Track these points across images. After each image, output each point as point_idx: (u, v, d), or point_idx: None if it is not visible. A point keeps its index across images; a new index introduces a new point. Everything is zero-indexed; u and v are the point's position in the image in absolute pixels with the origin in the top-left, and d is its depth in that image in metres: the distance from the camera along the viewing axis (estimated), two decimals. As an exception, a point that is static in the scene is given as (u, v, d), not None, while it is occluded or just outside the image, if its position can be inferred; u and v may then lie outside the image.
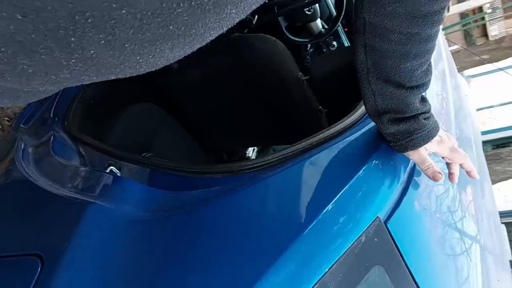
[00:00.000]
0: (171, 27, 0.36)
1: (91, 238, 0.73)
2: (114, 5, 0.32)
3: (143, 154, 1.34)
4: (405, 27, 0.63)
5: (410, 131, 0.73)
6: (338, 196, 0.70)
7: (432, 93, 1.07)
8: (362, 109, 0.88)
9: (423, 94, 0.74)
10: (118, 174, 0.88)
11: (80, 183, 0.86)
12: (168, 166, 0.90)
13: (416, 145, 0.74)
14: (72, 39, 0.33)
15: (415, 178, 0.81)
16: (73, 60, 0.36)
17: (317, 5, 1.82)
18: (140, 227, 0.74)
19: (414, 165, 0.82)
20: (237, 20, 0.41)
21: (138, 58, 0.38)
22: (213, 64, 1.56)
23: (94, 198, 0.80)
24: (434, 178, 0.75)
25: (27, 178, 0.96)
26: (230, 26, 0.42)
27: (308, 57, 2.04)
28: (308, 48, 2.06)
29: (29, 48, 0.33)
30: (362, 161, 0.77)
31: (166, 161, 0.93)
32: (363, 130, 0.83)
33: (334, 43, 1.98)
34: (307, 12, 1.82)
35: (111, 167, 0.88)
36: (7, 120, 1.70)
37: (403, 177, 0.79)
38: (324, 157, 0.80)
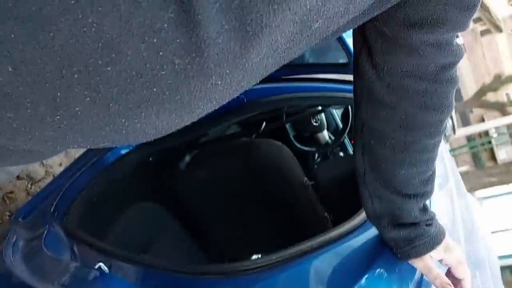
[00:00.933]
0: (155, 89, 0.36)
1: None
2: (100, 62, 0.32)
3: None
4: (399, 134, 0.62)
5: (411, 238, 0.69)
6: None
7: (439, 213, 1.03)
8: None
9: (425, 202, 0.70)
10: (106, 271, 0.83)
11: (67, 279, 0.81)
12: (161, 266, 0.86)
13: (419, 253, 0.69)
14: (58, 93, 0.33)
15: (425, 285, 0.75)
16: (57, 117, 0.35)
17: (323, 117, 1.88)
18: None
19: (422, 275, 0.76)
20: (227, 96, 0.40)
21: (123, 121, 0.37)
22: (220, 167, 1.57)
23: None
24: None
25: (12, 272, 0.91)
26: (219, 102, 0.41)
27: (315, 166, 2.05)
28: (316, 158, 2.08)
29: (15, 100, 0.33)
30: (364, 268, 0.72)
31: (159, 260, 0.88)
32: (366, 234, 0.80)
33: (341, 154, 2.00)
34: (314, 123, 1.88)
35: (100, 264, 0.84)
36: (8, 215, 1.68)
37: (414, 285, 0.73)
38: (324, 262, 0.75)
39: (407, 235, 0.69)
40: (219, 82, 0.38)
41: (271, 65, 0.40)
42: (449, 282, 0.68)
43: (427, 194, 0.69)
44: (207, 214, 1.62)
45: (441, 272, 0.70)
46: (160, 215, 1.47)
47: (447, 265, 0.72)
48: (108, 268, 0.90)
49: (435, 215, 0.71)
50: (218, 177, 1.57)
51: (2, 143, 0.39)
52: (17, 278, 0.85)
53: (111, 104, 0.35)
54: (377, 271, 0.72)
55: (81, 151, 1.73)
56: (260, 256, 1.90)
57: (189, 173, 1.64)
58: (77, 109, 0.35)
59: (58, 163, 1.94)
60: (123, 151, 1.57)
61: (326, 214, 1.45)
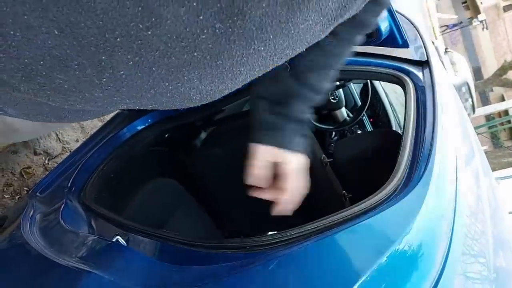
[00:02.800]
0: (195, 54, 0.36)
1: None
2: (140, 26, 0.33)
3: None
4: None
5: (276, 126, 0.68)
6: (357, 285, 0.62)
7: (465, 189, 1.00)
8: (388, 189, 0.82)
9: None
10: (124, 245, 0.82)
11: (84, 252, 0.81)
12: (177, 240, 0.85)
13: (273, 142, 0.69)
14: (103, 57, 0.34)
15: (450, 265, 0.72)
16: (104, 79, 0.37)
17: (342, 94, 1.84)
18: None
19: (449, 251, 0.74)
20: (270, 63, 0.39)
21: (167, 84, 0.38)
22: (236, 144, 1.55)
23: (96, 268, 0.74)
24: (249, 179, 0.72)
25: (30, 244, 0.91)
26: (262, 70, 0.40)
27: (332, 144, 2.02)
28: (333, 136, 2.05)
29: (64, 63, 0.35)
30: (387, 244, 0.70)
31: (176, 234, 0.87)
32: (389, 210, 0.77)
33: (359, 132, 1.97)
34: (332, 100, 1.84)
35: (118, 237, 0.83)
36: (26, 190, 1.69)
37: (437, 265, 0.70)
38: (344, 238, 0.73)
39: (273, 121, 0.68)
40: (262, 48, 0.37)
41: (318, 32, 0.39)
42: (264, 179, 0.73)
43: (319, 90, 0.67)
44: (222, 191, 1.61)
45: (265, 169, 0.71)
46: (176, 191, 1.46)
47: (280, 174, 0.73)
48: (125, 241, 0.90)
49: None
50: (234, 154, 1.55)
51: (57, 103, 0.41)
52: (35, 250, 0.84)
53: (153, 68, 0.36)
54: (401, 246, 0.70)
55: (96, 128, 1.73)
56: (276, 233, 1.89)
57: (205, 150, 1.62)
58: (122, 72, 0.36)
59: (75, 139, 1.95)
60: (139, 127, 1.56)
61: (344, 192, 1.43)
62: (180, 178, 1.55)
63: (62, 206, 1.01)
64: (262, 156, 0.71)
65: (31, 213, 1.04)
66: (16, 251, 0.92)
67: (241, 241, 0.77)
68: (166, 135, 1.67)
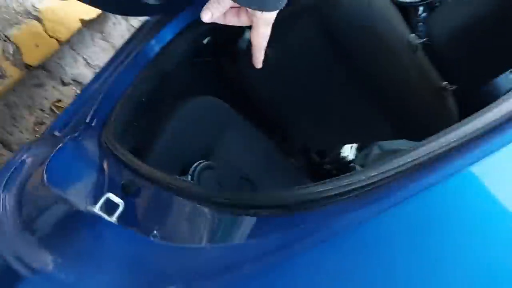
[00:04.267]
0: None
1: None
2: None
3: (199, 163, 1.01)
4: None
5: None
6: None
7: None
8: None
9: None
10: (119, 205, 0.55)
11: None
12: (208, 196, 0.55)
13: None
14: None
15: None
16: None
17: None
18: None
19: None
20: None
21: None
22: (291, 39, 1.18)
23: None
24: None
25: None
26: None
27: (420, 23, 1.56)
28: (420, 13, 1.58)
29: None
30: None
31: (208, 189, 0.58)
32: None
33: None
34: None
35: (109, 195, 0.55)
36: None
37: None
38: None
39: None
40: None
41: None
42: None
43: None
44: (281, 101, 1.28)
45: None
46: (221, 110, 1.16)
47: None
48: (130, 194, 0.63)
49: None
50: (290, 51, 1.19)
51: None
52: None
53: None
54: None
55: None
56: (354, 147, 1.55)
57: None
58: None
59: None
60: (169, 37, 1.25)
61: (445, 83, 1.03)
62: (226, 94, 1.24)
63: (55, 151, 0.75)
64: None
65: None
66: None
67: (289, 194, 0.45)
68: (205, 41, 1.34)
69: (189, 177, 0.98)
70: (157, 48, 1.24)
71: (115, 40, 1.69)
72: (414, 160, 0.42)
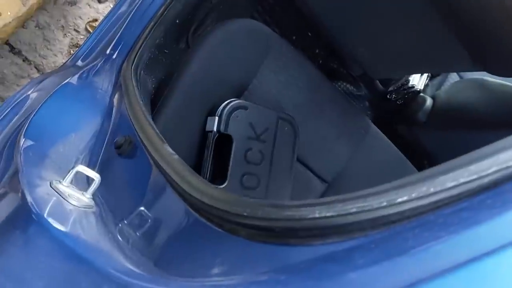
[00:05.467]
0: None
1: None
2: None
3: (228, 102, 0.87)
4: None
5: None
6: None
7: None
8: None
9: None
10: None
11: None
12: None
13: None
14: None
15: None
16: None
17: None
18: None
19: None
20: None
21: None
22: None
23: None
24: None
25: None
26: None
27: None
28: None
29: None
30: None
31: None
32: None
33: None
34: None
35: (78, 169, 0.44)
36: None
37: None
38: None
39: None
40: None
41: None
42: None
43: None
44: (343, 23, 1.06)
45: None
46: (261, 36, 0.98)
47: None
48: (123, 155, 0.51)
49: None
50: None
51: None
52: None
53: None
54: None
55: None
56: (424, 76, 1.30)
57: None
58: None
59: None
60: None
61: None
62: (266, 16, 1.05)
63: (48, 96, 0.64)
64: None
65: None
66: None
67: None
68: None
69: (216, 118, 0.85)
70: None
71: None
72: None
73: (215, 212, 0.34)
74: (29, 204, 0.38)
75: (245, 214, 0.31)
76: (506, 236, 0.23)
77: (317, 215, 0.28)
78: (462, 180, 0.26)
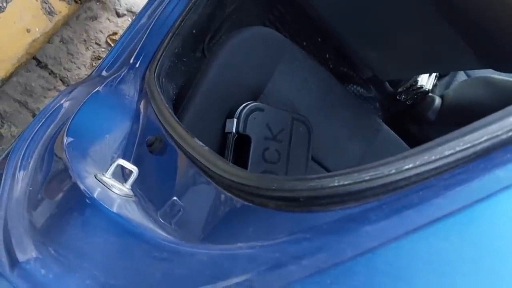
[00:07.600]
0: None
1: None
2: None
3: (246, 104, 0.92)
4: None
5: None
6: None
7: None
8: None
9: None
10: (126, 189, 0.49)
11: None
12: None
13: None
14: None
15: None
16: None
17: None
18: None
19: None
20: None
21: None
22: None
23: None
24: None
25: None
26: None
27: None
28: None
29: None
30: None
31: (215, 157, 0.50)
32: None
33: None
34: None
35: (119, 162, 0.50)
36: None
37: None
38: None
39: None
40: None
41: None
42: None
43: None
44: (352, 26, 1.11)
45: None
46: (275, 42, 1.04)
47: None
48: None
49: None
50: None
51: None
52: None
53: None
54: None
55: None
56: (432, 76, 1.35)
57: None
58: None
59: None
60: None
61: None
62: (277, 24, 1.11)
63: (83, 103, 0.70)
64: None
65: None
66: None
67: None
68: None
69: (235, 120, 0.91)
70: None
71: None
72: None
73: (247, 189, 0.39)
74: (83, 191, 0.44)
75: (273, 187, 0.37)
76: (494, 188, 0.27)
77: (336, 184, 0.34)
78: (458, 149, 0.31)
